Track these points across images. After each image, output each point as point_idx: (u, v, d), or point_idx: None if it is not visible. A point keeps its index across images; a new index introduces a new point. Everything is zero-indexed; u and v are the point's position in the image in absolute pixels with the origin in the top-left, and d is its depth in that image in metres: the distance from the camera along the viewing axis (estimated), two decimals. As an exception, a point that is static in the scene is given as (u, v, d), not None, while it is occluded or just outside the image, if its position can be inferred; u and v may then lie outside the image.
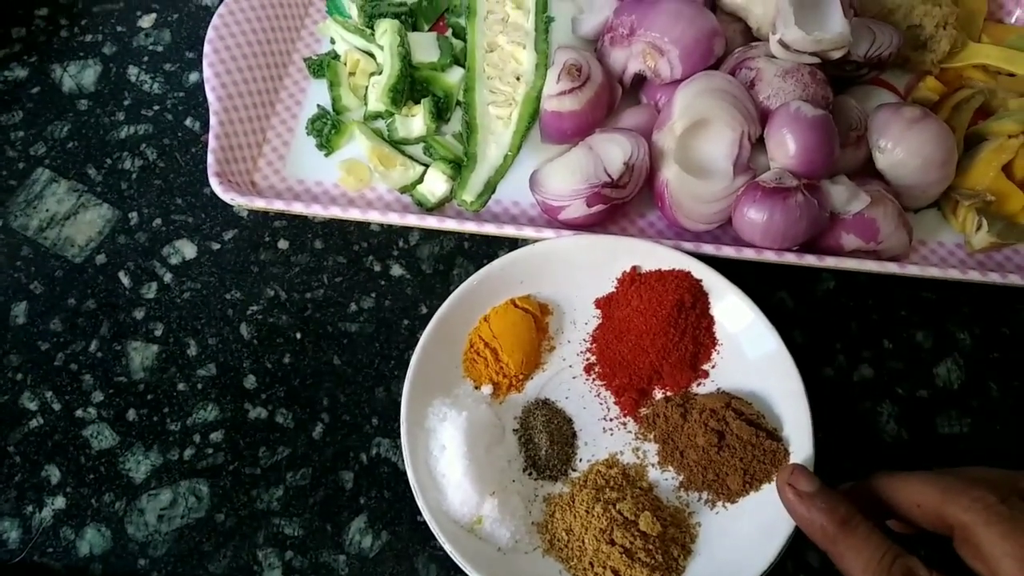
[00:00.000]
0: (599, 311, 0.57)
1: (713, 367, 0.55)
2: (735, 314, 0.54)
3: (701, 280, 0.54)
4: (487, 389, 0.54)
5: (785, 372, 0.51)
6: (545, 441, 0.52)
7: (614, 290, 0.56)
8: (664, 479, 0.52)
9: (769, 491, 0.49)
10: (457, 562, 0.46)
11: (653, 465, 0.52)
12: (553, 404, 0.54)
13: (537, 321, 0.56)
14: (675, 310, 0.53)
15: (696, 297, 0.54)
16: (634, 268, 0.56)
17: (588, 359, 0.56)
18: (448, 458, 0.49)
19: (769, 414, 0.52)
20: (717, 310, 0.55)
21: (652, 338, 0.54)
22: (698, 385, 0.54)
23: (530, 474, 0.52)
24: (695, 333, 0.54)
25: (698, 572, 0.48)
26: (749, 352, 0.53)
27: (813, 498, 0.44)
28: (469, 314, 0.55)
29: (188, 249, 0.60)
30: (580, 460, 0.52)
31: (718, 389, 0.54)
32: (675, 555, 0.48)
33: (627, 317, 0.55)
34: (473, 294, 0.54)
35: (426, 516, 0.47)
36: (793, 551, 0.48)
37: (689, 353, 0.54)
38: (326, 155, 0.63)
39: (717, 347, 0.55)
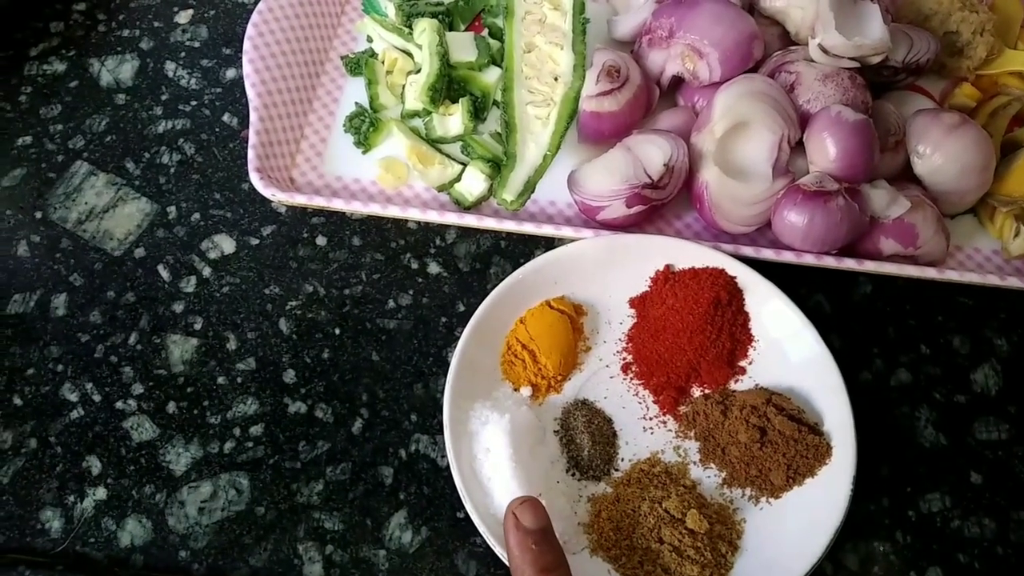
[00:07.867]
0: (633, 310, 0.57)
1: (751, 363, 0.55)
2: (774, 314, 0.54)
3: (736, 277, 0.55)
4: (526, 391, 0.54)
5: (824, 368, 0.51)
6: (587, 441, 0.52)
7: (648, 289, 0.57)
8: (707, 476, 0.52)
9: (813, 486, 0.49)
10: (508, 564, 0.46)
11: (695, 463, 0.52)
12: (592, 404, 0.54)
13: (572, 322, 0.56)
14: (712, 307, 0.54)
15: (732, 294, 0.55)
16: (668, 267, 0.56)
17: (625, 358, 0.56)
18: (493, 461, 0.49)
19: (809, 409, 0.52)
20: (755, 310, 0.55)
21: (689, 336, 0.54)
22: (736, 382, 0.54)
23: (573, 475, 0.52)
24: (732, 330, 0.54)
25: (746, 569, 0.48)
26: (789, 349, 0.53)
27: (528, 534, 0.42)
28: (505, 317, 0.55)
29: (227, 244, 0.61)
30: (622, 460, 0.52)
31: (756, 385, 0.54)
32: (723, 552, 0.48)
33: (662, 316, 0.55)
34: (508, 297, 0.54)
35: (475, 519, 0.47)
36: (831, 554, 0.48)
37: (726, 350, 0.54)
38: (363, 152, 0.63)
39: (754, 343, 0.55)
